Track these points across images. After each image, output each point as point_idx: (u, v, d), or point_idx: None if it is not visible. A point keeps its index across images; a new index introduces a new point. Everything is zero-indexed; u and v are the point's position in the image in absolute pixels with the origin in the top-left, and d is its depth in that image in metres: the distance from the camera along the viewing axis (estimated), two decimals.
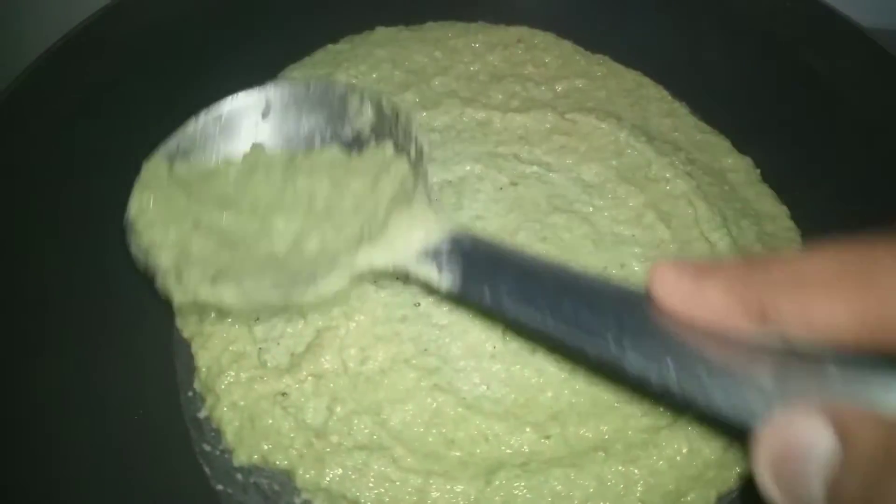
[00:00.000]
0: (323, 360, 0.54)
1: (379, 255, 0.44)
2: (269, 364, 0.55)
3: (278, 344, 0.56)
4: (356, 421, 0.52)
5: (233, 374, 0.54)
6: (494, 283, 0.38)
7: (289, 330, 0.57)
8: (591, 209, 0.63)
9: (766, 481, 0.27)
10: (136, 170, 0.61)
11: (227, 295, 0.43)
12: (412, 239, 0.43)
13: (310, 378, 0.54)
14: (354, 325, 0.56)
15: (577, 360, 0.55)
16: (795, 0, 0.75)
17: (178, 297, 0.44)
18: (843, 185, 0.67)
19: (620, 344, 0.32)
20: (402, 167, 0.49)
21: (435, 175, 0.64)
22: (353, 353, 0.55)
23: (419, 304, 0.58)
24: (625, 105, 0.73)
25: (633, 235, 0.61)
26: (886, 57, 0.68)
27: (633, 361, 0.32)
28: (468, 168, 0.65)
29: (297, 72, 0.74)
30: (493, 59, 0.75)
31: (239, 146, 0.52)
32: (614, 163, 0.66)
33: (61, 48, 0.65)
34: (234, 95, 0.53)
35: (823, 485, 0.25)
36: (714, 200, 0.64)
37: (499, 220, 0.62)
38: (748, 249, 0.61)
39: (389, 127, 0.51)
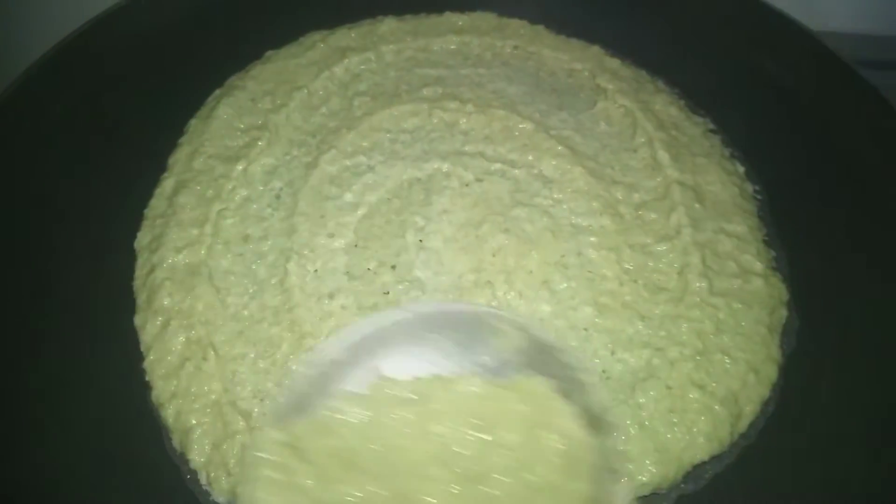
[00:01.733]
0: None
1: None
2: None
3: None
4: None
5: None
6: None
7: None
8: (550, 202, 0.67)
9: None
10: (125, 177, 0.66)
11: None
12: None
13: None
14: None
15: None
16: (751, 6, 0.79)
17: None
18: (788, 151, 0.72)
19: None
20: (568, 422, 0.42)
21: (404, 173, 0.69)
22: None
23: (388, 293, 0.61)
24: None
25: (590, 226, 0.65)
26: (832, 57, 0.73)
27: None
28: (436, 166, 0.69)
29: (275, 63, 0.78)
30: (462, 60, 0.79)
31: (360, 381, 0.44)
32: (575, 158, 0.70)
33: (51, 58, 0.69)
34: (351, 326, 0.48)
35: None
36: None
37: (464, 213, 0.66)
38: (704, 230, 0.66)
39: (542, 359, 0.45)
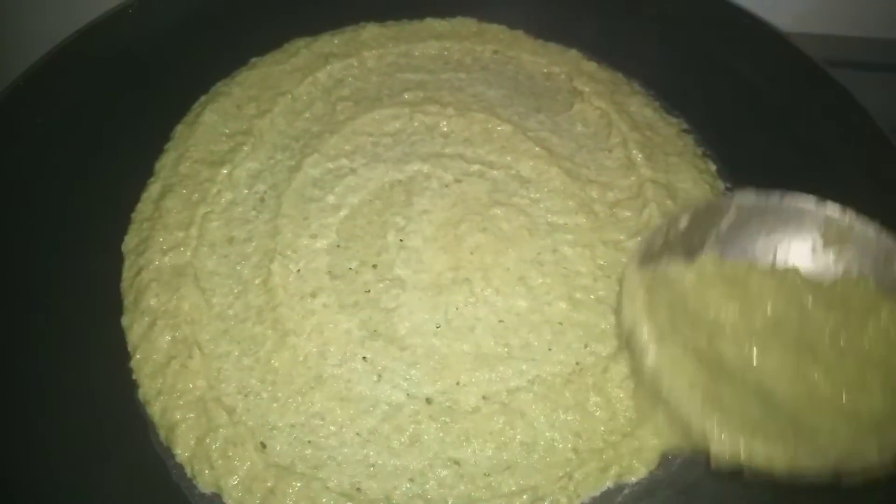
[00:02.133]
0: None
1: None
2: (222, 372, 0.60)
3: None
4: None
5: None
6: None
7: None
8: (527, 202, 0.69)
9: None
10: (113, 181, 0.67)
11: (777, 457, 0.40)
12: None
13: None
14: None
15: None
16: (723, 8, 0.81)
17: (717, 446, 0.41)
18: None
19: None
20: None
21: (386, 175, 0.71)
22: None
23: (369, 291, 0.63)
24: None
25: (566, 224, 0.67)
26: (802, 57, 0.75)
27: None
28: (417, 168, 0.71)
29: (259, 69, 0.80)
30: (443, 64, 0.81)
31: (698, 252, 0.50)
32: (551, 158, 0.72)
33: (41, 66, 0.70)
34: (699, 204, 0.52)
35: None
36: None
37: (444, 213, 0.68)
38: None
39: (871, 261, 0.46)
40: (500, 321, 0.61)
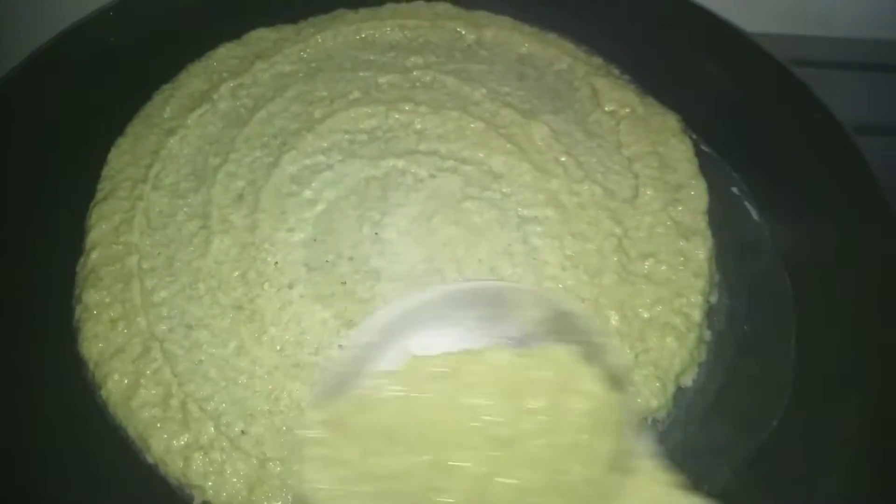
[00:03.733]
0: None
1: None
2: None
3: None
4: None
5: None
6: None
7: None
8: (499, 196, 0.71)
9: None
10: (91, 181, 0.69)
11: None
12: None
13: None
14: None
15: None
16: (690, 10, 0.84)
17: None
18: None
19: None
20: (591, 384, 0.45)
21: (362, 171, 0.73)
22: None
23: (345, 283, 0.65)
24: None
25: (536, 217, 0.69)
26: (765, 56, 0.78)
27: None
28: (392, 163, 0.73)
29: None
30: (415, 59, 0.83)
31: (394, 360, 0.48)
32: (522, 154, 0.74)
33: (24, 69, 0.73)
34: (381, 309, 0.52)
35: None
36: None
37: (417, 206, 0.70)
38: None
39: (562, 327, 0.48)
40: None
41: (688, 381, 0.63)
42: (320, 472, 0.45)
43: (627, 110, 0.79)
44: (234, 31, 0.86)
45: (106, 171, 0.73)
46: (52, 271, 0.67)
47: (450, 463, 0.43)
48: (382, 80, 0.81)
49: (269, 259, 0.66)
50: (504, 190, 0.72)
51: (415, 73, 0.81)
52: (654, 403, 0.60)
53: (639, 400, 0.51)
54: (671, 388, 0.61)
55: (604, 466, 0.43)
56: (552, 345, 0.47)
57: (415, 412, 0.45)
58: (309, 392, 0.56)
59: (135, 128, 0.77)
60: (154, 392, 0.59)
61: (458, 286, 0.54)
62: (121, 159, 0.74)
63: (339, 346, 0.61)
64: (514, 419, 0.44)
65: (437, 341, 0.48)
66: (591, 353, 0.46)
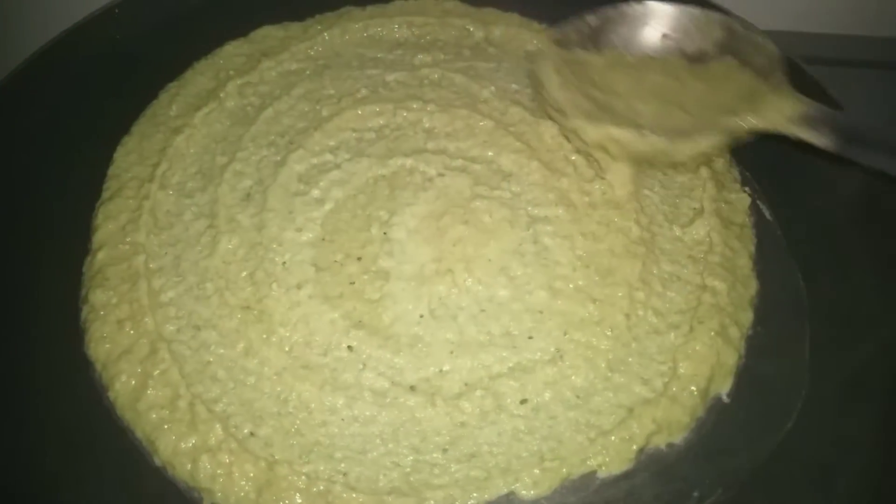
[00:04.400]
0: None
1: (753, 121, 0.60)
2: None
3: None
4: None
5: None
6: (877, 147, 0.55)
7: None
8: (509, 195, 0.70)
9: None
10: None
11: (631, 135, 0.61)
12: (783, 109, 0.59)
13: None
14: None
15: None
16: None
17: (589, 132, 0.64)
18: None
19: None
20: (744, 78, 0.63)
21: (370, 170, 0.72)
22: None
23: (354, 283, 0.65)
24: None
25: (546, 216, 0.69)
26: None
27: None
28: (400, 162, 0.72)
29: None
30: (423, 56, 0.82)
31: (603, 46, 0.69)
32: (532, 152, 0.73)
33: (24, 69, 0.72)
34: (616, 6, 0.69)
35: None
36: None
37: (427, 206, 0.69)
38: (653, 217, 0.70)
39: (736, 45, 0.64)
40: (482, 310, 0.63)
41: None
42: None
43: None
44: (240, 28, 0.85)
45: (112, 170, 0.73)
46: (58, 271, 0.66)
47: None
48: (390, 77, 0.80)
49: (277, 259, 0.65)
50: (514, 189, 0.71)
51: (423, 71, 0.81)
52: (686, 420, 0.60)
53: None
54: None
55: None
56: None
57: (613, 75, 0.68)
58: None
59: (141, 126, 0.76)
60: (161, 393, 0.59)
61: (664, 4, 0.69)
62: (127, 158, 0.73)
63: (349, 347, 0.60)
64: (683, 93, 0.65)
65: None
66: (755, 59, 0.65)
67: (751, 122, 0.60)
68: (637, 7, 0.69)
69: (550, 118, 0.70)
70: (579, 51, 0.69)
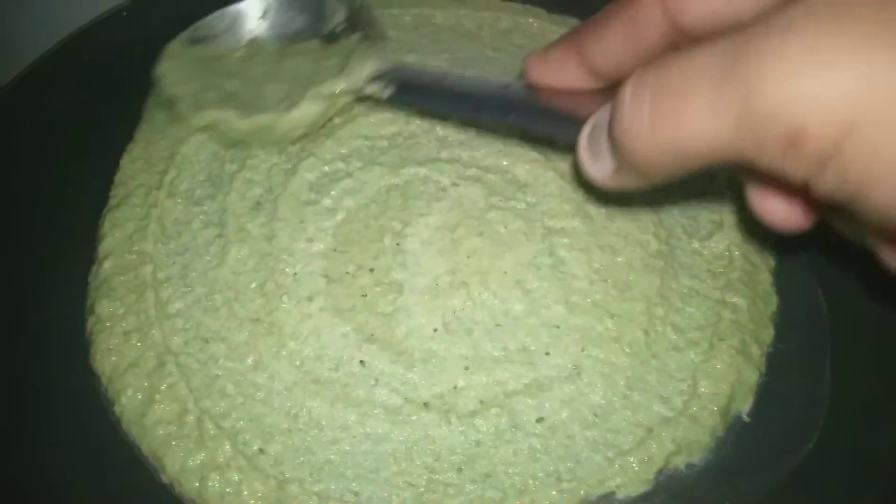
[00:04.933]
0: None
1: (339, 84, 0.64)
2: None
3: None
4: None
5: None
6: (421, 93, 0.63)
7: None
8: (524, 206, 0.69)
9: (584, 151, 0.45)
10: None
11: (232, 115, 0.64)
12: (364, 70, 0.64)
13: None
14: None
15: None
16: None
17: (195, 119, 0.66)
18: None
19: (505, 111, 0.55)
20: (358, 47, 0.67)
21: (382, 179, 0.70)
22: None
23: (366, 295, 0.63)
24: None
25: (562, 228, 0.67)
26: None
27: (511, 120, 0.55)
28: (413, 171, 0.71)
29: None
30: (438, 63, 0.80)
31: (241, 39, 0.71)
32: (548, 162, 0.72)
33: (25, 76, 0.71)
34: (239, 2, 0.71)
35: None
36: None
37: (440, 216, 0.68)
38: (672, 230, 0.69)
39: (358, 21, 0.69)
40: (498, 325, 0.61)
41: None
42: (180, 79, 0.67)
43: None
44: None
45: (119, 177, 0.71)
46: (63, 281, 0.65)
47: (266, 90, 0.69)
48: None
49: (287, 270, 0.64)
50: (529, 199, 0.69)
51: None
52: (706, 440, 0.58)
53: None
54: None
55: None
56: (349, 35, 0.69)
57: (249, 66, 0.70)
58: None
59: (145, 133, 0.75)
60: (169, 408, 0.57)
61: None
62: (133, 165, 0.72)
63: (361, 361, 0.59)
64: (314, 70, 0.69)
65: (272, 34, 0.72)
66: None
67: (334, 84, 0.64)
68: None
69: (168, 114, 0.71)
70: (211, 47, 0.70)
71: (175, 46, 0.69)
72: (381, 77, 0.63)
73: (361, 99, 0.68)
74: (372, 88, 0.64)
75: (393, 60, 0.65)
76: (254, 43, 0.71)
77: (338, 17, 0.70)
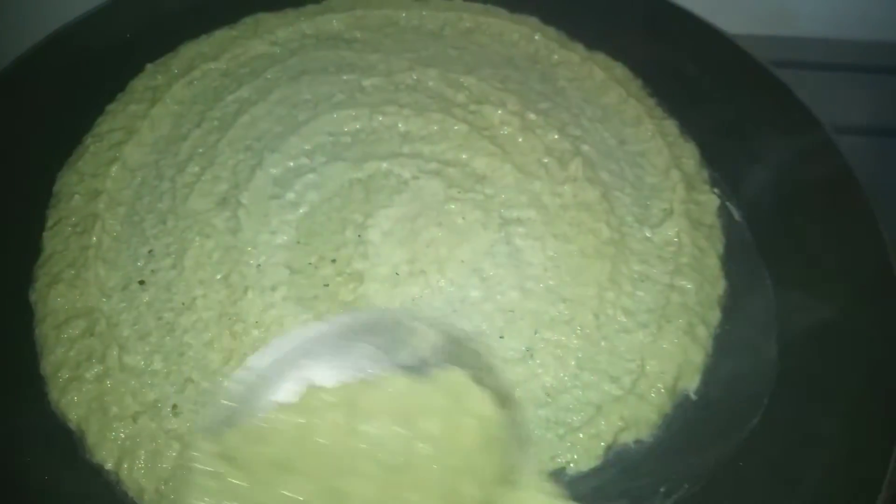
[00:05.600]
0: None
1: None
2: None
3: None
4: None
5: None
6: None
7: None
8: (482, 197, 0.71)
9: None
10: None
11: None
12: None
13: None
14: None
15: None
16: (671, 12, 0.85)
17: None
18: None
19: None
20: (483, 405, 0.47)
21: (345, 174, 0.73)
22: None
23: (328, 285, 0.65)
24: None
25: (519, 218, 0.70)
26: (746, 57, 0.78)
27: None
28: (375, 166, 0.73)
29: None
30: (401, 62, 0.83)
31: (289, 391, 0.48)
32: (505, 156, 0.74)
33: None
34: (277, 339, 0.52)
35: None
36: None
37: (401, 209, 0.70)
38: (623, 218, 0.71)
39: (456, 351, 0.50)
40: (454, 310, 0.64)
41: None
42: (207, 501, 0.43)
43: None
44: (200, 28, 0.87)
45: (58, 186, 0.73)
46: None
47: (344, 490, 0.44)
48: (367, 82, 0.81)
49: (251, 262, 0.66)
50: (487, 191, 0.72)
51: (399, 76, 0.82)
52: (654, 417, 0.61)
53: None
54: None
55: (493, 484, 0.44)
56: (445, 369, 0.48)
57: (309, 442, 0.45)
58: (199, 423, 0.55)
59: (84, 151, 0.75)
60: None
61: (354, 315, 0.54)
62: (70, 178, 0.73)
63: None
64: (407, 445, 0.45)
65: (333, 373, 0.49)
66: (483, 374, 0.48)
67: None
68: None
69: None
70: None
71: (200, 453, 0.45)
72: None
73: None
74: None
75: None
76: (308, 395, 0.47)
77: (421, 341, 0.51)
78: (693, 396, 0.63)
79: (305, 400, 0.46)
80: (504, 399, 0.48)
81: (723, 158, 0.78)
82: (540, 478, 0.45)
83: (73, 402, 0.59)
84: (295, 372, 0.49)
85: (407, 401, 0.47)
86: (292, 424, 0.46)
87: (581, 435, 0.58)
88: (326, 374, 0.48)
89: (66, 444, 0.58)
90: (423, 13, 0.89)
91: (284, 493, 0.43)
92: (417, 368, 0.49)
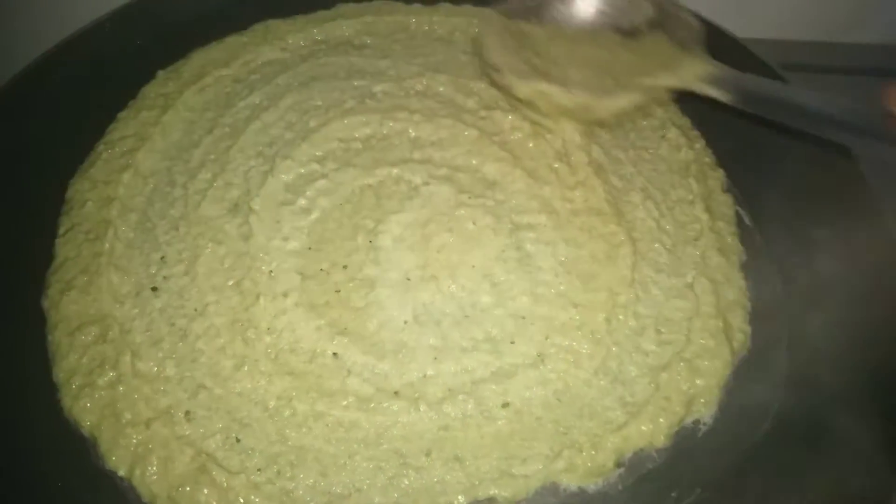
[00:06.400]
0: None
1: (667, 79, 0.64)
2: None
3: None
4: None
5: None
6: (763, 102, 0.61)
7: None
8: (493, 203, 0.71)
9: None
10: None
11: (557, 90, 0.66)
12: (696, 71, 0.63)
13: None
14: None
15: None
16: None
17: (518, 88, 0.68)
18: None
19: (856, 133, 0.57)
20: (668, 48, 0.66)
21: (356, 180, 0.73)
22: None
23: (339, 291, 0.65)
24: None
25: (529, 223, 0.70)
26: (757, 61, 0.78)
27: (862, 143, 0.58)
28: (386, 172, 0.73)
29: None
30: (412, 68, 0.83)
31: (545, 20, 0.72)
32: (515, 161, 0.74)
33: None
34: None
35: None
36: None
37: (412, 214, 0.70)
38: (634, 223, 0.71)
39: (666, 23, 0.68)
40: (466, 316, 0.64)
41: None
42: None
43: None
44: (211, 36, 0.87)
45: (70, 193, 0.73)
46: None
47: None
48: (377, 88, 0.81)
49: (263, 268, 0.66)
50: (497, 197, 0.72)
51: (409, 82, 0.82)
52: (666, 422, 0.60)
53: None
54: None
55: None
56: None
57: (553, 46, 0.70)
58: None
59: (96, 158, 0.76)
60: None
61: None
62: (82, 185, 0.73)
63: (334, 353, 0.61)
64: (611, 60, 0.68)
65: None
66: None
67: (664, 79, 0.64)
68: None
69: (489, 77, 0.75)
70: (522, 22, 0.72)
71: (490, 14, 0.72)
72: (717, 81, 0.63)
73: (674, 93, 0.67)
74: (710, 91, 0.62)
75: (722, 66, 0.64)
76: (555, 24, 0.72)
77: (643, 14, 0.70)
78: (707, 403, 0.63)
79: (557, 26, 0.73)
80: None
81: (736, 163, 0.78)
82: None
83: (85, 408, 0.59)
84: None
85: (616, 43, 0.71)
86: (546, 33, 0.73)
87: (593, 440, 0.58)
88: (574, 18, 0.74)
89: (78, 450, 0.59)
90: (433, 19, 0.90)
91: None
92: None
